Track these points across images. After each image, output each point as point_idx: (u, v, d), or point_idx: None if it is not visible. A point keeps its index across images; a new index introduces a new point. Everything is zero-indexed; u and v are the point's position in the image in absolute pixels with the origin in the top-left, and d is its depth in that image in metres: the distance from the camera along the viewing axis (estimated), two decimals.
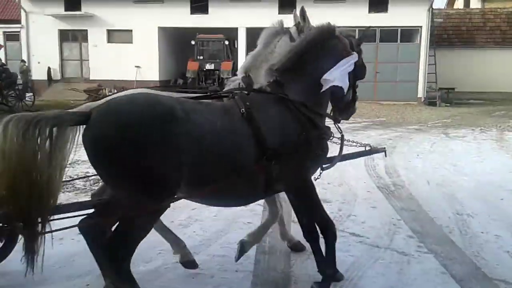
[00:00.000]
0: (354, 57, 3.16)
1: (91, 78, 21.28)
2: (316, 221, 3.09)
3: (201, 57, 20.50)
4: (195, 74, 19.82)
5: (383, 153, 4.06)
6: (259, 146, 2.79)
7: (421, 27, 19.43)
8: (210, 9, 20.50)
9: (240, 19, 20.22)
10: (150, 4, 20.56)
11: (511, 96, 22.13)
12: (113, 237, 2.54)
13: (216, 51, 20.58)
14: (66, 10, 20.92)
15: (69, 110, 2.62)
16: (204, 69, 20.18)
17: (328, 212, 3.23)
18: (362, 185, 6.34)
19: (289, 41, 3.37)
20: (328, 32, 3.17)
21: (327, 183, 6.33)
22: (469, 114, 16.21)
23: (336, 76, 3.06)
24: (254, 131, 2.78)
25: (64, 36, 21.72)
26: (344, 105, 3.37)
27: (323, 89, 3.08)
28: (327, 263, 3.13)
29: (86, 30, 21.18)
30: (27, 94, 16.64)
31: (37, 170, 2.29)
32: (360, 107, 18.84)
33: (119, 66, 20.47)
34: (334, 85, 3.08)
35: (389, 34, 20.04)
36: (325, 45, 3.13)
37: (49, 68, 21.29)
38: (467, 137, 10.94)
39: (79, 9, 20.76)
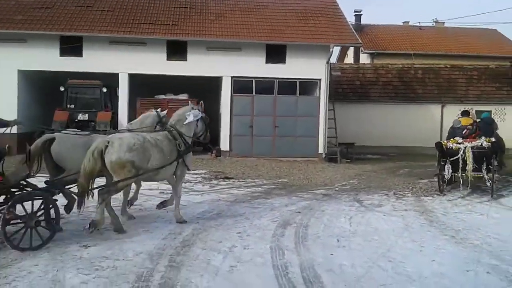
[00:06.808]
0: None
1: None
2: None
3: (72, 106, 17.11)
4: (63, 126, 16.23)
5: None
6: None
7: (320, 79, 18.25)
8: (84, 51, 17.42)
9: (122, 64, 17.50)
10: (9, 43, 16.94)
11: (405, 150, 21.88)
12: None
13: (92, 100, 17.31)
14: None
15: None
16: (76, 120, 16.75)
17: None
18: None
19: None
20: None
21: None
22: (373, 173, 14.88)
23: None
24: None
25: None
26: None
27: None
28: None
29: None
30: None
31: None
32: (259, 165, 16.53)
33: None
34: None
35: (287, 86, 18.65)
36: None
37: None
38: (384, 206, 9.20)
39: None
